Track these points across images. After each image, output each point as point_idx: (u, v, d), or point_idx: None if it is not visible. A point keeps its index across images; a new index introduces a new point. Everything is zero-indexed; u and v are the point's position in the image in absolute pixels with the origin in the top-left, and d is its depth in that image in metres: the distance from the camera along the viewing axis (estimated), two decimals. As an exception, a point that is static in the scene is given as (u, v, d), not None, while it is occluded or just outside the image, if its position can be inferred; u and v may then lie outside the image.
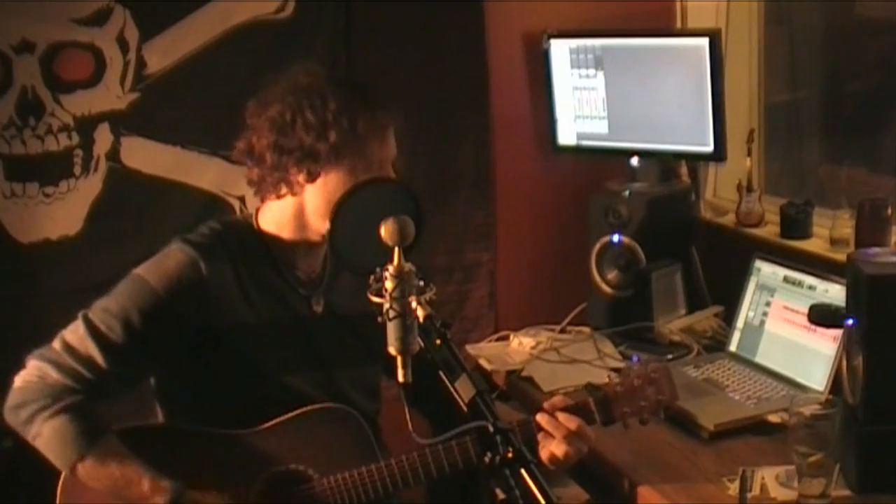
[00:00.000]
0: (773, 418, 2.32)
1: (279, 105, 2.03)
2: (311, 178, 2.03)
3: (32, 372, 1.98)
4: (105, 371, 1.97)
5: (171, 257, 2.03)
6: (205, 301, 2.01)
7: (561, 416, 2.00)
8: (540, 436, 2.00)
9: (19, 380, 1.98)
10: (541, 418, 2.00)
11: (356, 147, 2.02)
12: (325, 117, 2.00)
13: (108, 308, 2.00)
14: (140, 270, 2.03)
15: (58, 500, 1.99)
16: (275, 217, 2.11)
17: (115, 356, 1.97)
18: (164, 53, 2.83)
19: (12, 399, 1.97)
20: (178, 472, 1.95)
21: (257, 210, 2.15)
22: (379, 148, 2.05)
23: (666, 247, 2.98)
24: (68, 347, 1.98)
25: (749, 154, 3.04)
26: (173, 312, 2.00)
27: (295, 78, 2.07)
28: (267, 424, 2.03)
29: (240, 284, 2.05)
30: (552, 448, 1.98)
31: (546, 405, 2.04)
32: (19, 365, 2.01)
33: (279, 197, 2.07)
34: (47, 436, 1.93)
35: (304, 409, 2.04)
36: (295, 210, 2.08)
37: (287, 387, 2.08)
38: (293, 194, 2.06)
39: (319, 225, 2.05)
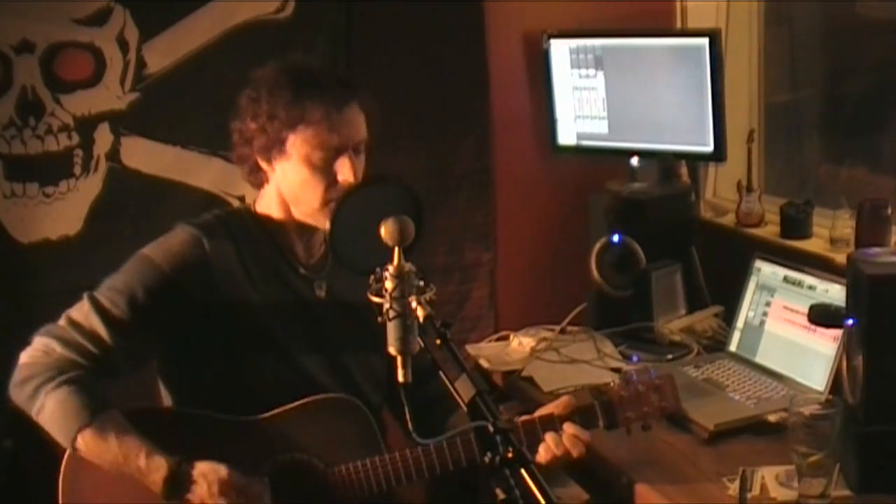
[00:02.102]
0: (773, 418, 2.32)
1: (244, 94, 2.10)
2: (271, 166, 2.09)
3: (38, 348, 1.99)
4: (110, 346, 1.98)
5: (176, 237, 2.07)
6: (209, 277, 2.03)
7: (567, 439, 2.01)
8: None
9: (25, 356, 2.00)
10: (549, 438, 2.02)
11: (299, 137, 2.03)
12: (261, 108, 2.05)
13: (113, 286, 2.02)
14: (145, 250, 2.07)
15: (59, 491, 1.99)
16: (266, 203, 2.15)
17: (119, 332, 1.98)
18: (164, 53, 2.83)
19: (18, 375, 1.98)
20: (181, 456, 1.95)
21: (254, 200, 2.19)
22: (329, 135, 2.02)
23: (666, 247, 2.97)
24: (73, 323, 1.99)
25: (749, 154, 3.04)
26: (178, 289, 2.02)
27: (262, 69, 2.12)
28: (272, 412, 2.04)
29: (242, 262, 2.08)
30: (541, 452, 2.01)
31: (555, 411, 2.05)
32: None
33: (260, 185, 2.14)
34: (51, 408, 1.93)
35: (309, 399, 2.05)
36: (278, 197, 2.12)
37: (294, 367, 2.09)
38: (267, 182, 2.12)
39: (300, 213, 2.10)
